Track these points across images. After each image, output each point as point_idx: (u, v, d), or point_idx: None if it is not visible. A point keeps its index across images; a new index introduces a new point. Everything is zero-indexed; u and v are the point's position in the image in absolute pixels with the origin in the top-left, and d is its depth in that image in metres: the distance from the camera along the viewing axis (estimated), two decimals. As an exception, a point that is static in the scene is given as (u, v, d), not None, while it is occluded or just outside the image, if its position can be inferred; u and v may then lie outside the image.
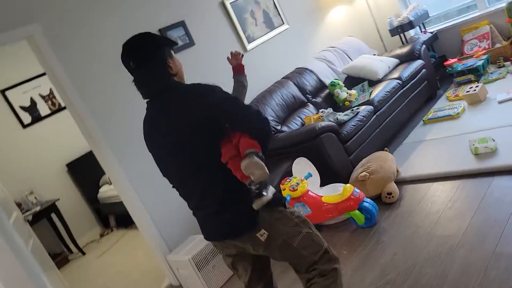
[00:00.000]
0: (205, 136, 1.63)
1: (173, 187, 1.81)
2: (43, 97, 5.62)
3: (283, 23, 4.69)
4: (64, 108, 5.38)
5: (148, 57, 1.68)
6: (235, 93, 2.03)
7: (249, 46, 4.30)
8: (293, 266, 1.77)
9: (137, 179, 3.29)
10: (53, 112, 5.66)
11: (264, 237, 1.63)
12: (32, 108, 5.53)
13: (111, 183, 4.80)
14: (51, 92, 5.63)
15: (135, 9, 3.50)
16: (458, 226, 2.43)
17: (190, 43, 3.80)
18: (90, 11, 3.27)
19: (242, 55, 2.09)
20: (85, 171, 5.59)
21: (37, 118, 5.54)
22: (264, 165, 1.57)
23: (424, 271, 2.21)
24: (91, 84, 3.18)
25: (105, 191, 5.50)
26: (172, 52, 1.76)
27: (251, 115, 1.65)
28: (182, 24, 3.78)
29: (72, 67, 3.10)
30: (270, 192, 1.59)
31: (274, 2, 4.63)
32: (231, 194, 1.67)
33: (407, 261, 2.35)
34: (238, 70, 2.08)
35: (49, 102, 5.66)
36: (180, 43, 3.70)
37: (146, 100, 1.76)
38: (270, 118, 3.79)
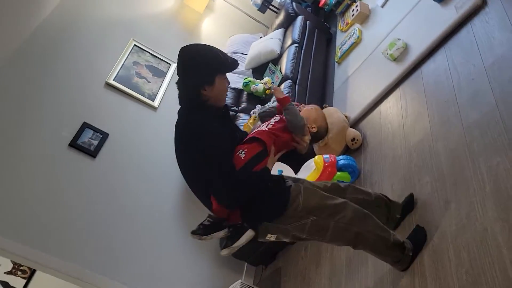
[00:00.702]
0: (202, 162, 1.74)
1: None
2: (10, 272, 5.31)
3: (171, 64, 4.69)
4: (35, 270, 5.11)
5: (186, 74, 1.82)
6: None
7: (156, 103, 4.26)
8: None
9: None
10: (28, 280, 5.36)
11: (273, 238, 1.75)
12: (7, 291, 5.21)
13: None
14: (14, 263, 5.32)
15: (37, 147, 3.39)
16: (423, 127, 2.51)
17: (104, 136, 3.71)
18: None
19: (272, 87, 2.08)
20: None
21: (17, 295, 5.23)
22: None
23: (423, 181, 2.26)
24: (40, 234, 3.04)
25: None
26: (219, 77, 1.81)
27: (219, 186, 1.70)
28: (85, 125, 3.68)
29: (13, 233, 2.96)
30: (244, 238, 1.70)
31: (149, 53, 4.63)
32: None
33: (405, 184, 2.40)
34: (281, 104, 1.96)
35: (19, 273, 5.35)
36: (95, 143, 3.61)
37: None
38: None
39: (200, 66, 1.81)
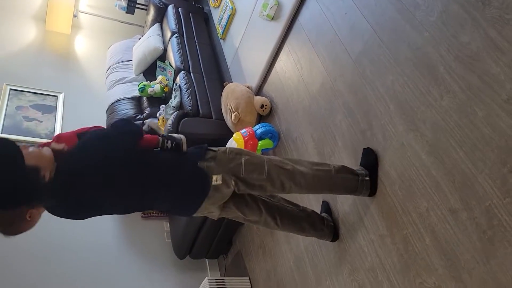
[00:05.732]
0: None
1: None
2: None
3: (57, 95, 4.40)
4: None
5: None
6: None
7: (56, 140, 3.99)
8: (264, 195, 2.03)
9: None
10: None
11: (219, 181, 1.77)
12: None
13: None
14: None
15: None
16: (319, 71, 2.61)
17: None
18: None
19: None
20: None
21: None
22: None
23: (337, 121, 2.37)
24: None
25: None
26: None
27: None
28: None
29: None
30: (178, 135, 1.91)
31: (29, 92, 4.30)
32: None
33: (322, 129, 2.50)
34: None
35: None
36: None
37: None
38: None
39: None
